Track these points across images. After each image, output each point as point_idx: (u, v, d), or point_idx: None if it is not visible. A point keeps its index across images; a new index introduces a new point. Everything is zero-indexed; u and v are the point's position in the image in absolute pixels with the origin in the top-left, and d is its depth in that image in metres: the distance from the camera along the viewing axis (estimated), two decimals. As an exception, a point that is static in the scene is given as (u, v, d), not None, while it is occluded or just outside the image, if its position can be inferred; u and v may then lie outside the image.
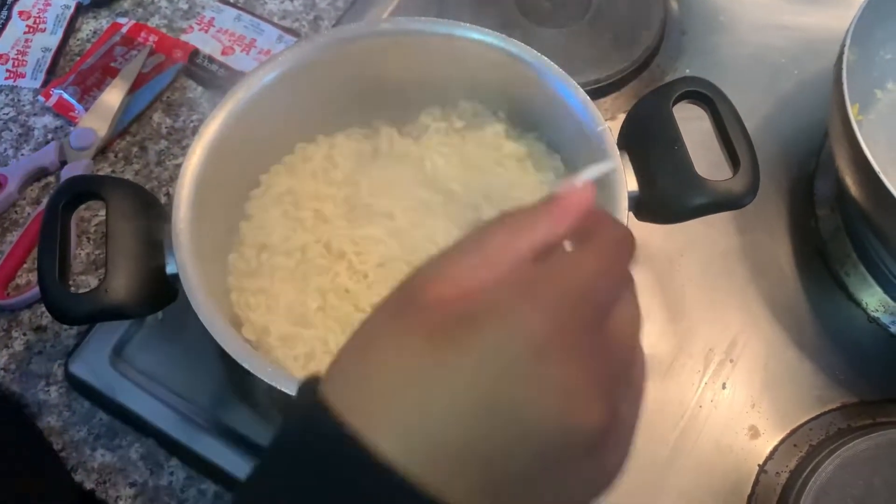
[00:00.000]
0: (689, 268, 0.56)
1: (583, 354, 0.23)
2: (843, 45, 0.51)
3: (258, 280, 0.48)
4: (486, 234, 0.25)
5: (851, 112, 0.48)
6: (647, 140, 0.47)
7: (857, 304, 0.55)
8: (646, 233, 0.56)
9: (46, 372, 0.54)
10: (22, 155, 0.61)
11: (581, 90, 0.48)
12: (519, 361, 0.22)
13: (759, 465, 0.50)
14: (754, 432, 0.51)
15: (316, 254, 0.49)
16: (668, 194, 0.45)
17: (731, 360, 0.53)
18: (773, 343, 0.54)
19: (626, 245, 0.27)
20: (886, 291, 0.54)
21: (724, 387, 0.52)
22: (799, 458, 0.50)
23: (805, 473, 0.48)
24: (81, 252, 0.57)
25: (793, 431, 0.51)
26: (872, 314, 0.54)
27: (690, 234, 0.57)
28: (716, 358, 0.53)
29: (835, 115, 0.50)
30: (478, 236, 0.25)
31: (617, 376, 0.25)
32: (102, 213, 0.58)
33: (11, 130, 0.62)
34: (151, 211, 0.46)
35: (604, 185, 0.45)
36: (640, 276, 0.57)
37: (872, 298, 0.55)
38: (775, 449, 0.50)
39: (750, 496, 0.49)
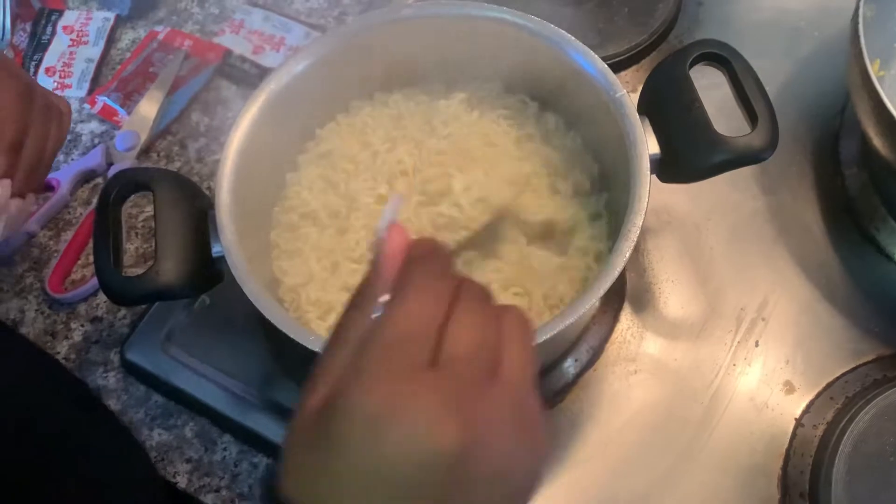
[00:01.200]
0: (716, 231, 0.57)
1: (418, 390, 0.25)
2: (858, 1, 0.51)
3: (295, 246, 0.52)
4: (340, 322, 0.29)
5: (871, 67, 0.49)
6: (666, 103, 0.48)
7: (889, 257, 0.55)
8: (672, 199, 0.58)
9: (104, 359, 0.57)
10: (72, 160, 0.65)
11: (599, 59, 0.49)
12: (367, 426, 0.25)
13: (795, 419, 0.51)
14: (789, 388, 0.52)
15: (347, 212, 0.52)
16: (690, 153, 0.46)
17: (763, 319, 0.54)
18: (804, 300, 0.54)
19: (440, 270, 0.29)
20: (917, 244, 0.55)
21: (756, 345, 0.53)
22: (836, 410, 0.50)
23: (842, 424, 0.48)
24: (130, 246, 0.60)
25: (828, 385, 0.51)
26: (904, 266, 0.54)
27: (716, 197, 0.58)
28: (747, 317, 0.54)
29: (854, 70, 0.51)
30: (337, 327, 0.29)
31: (470, 396, 0.26)
32: (148, 209, 0.61)
33: (61, 137, 0.66)
34: (195, 199, 0.49)
35: (626, 149, 0.47)
36: (669, 241, 0.59)
37: (904, 251, 0.55)
38: (811, 403, 0.51)
39: (788, 449, 0.50)
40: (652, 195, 0.45)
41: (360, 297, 0.29)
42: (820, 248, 0.56)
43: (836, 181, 0.58)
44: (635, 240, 0.44)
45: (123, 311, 0.58)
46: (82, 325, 0.58)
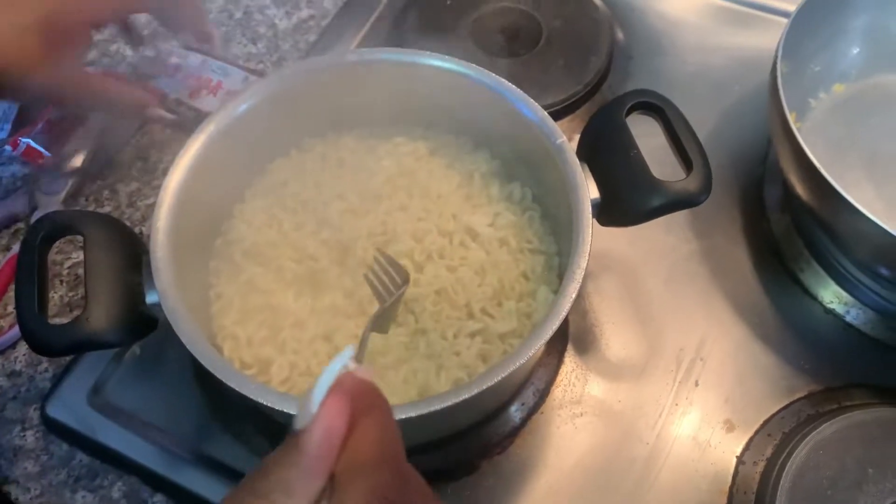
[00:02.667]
0: (654, 274, 0.58)
1: None
2: (775, 59, 0.55)
3: (234, 289, 0.50)
4: None
5: (791, 118, 0.52)
6: (605, 149, 0.50)
7: (814, 297, 0.58)
8: (611, 243, 0.59)
9: (21, 417, 0.53)
10: (-9, 204, 0.61)
11: (539, 107, 0.51)
12: None
13: (736, 457, 0.52)
14: (729, 426, 0.53)
15: (287, 258, 0.51)
16: (629, 197, 0.48)
17: (702, 359, 0.55)
18: (739, 340, 0.56)
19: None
20: (839, 284, 0.57)
21: (696, 384, 0.54)
22: (774, 447, 0.51)
23: (781, 460, 0.49)
24: (55, 295, 0.57)
25: (766, 422, 0.53)
26: (828, 306, 0.57)
27: (652, 241, 0.59)
28: (687, 357, 0.55)
29: (774, 121, 0.54)
30: None
31: None
32: (75, 255, 0.59)
33: (-21, 180, 0.63)
34: (128, 243, 0.47)
35: (567, 195, 0.48)
36: (609, 284, 0.60)
37: (827, 291, 0.57)
38: (751, 440, 0.52)
39: (731, 487, 0.50)
40: (592, 238, 0.46)
41: (267, 484, 0.24)
42: (751, 289, 0.58)
43: (762, 225, 0.61)
44: (580, 282, 0.44)
45: (45, 364, 0.54)
46: (-2, 380, 0.54)
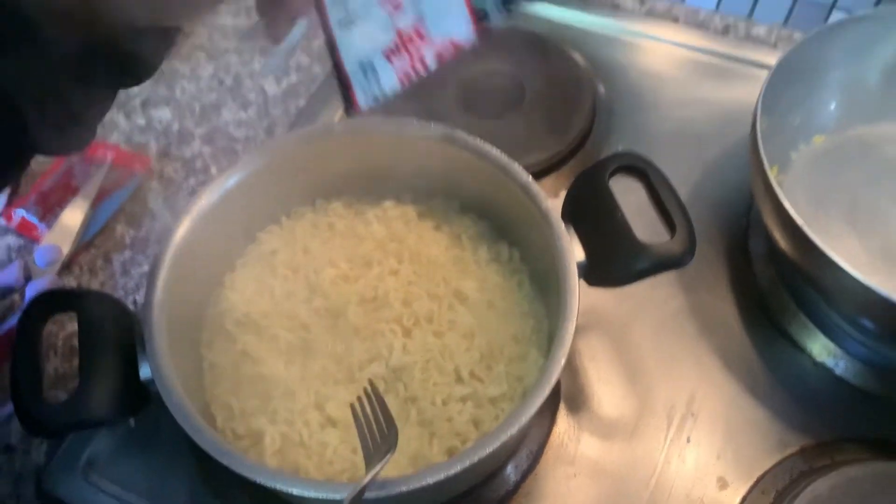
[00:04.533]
0: (642, 330, 0.59)
1: None
2: (755, 114, 0.56)
3: (227, 360, 0.51)
4: None
5: (771, 174, 0.53)
6: (589, 212, 0.51)
7: (802, 350, 0.58)
8: (599, 300, 0.60)
9: (16, 492, 0.53)
10: (-15, 276, 0.62)
11: (523, 171, 0.52)
12: None
13: (731, 515, 0.52)
14: (723, 483, 0.53)
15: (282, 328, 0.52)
16: (614, 260, 0.49)
17: (693, 415, 0.55)
18: (729, 395, 0.56)
19: None
20: (827, 336, 0.58)
21: (688, 441, 0.54)
22: (767, 504, 0.51)
23: (775, 518, 0.49)
24: (48, 366, 0.57)
25: (759, 479, 0.53)
26: (817, 359, 0.58)
27: (640, 297, 0.60)
28: (678, 414, 0.55)
29: (756, 177, 0.55)
30: None
31: None
32: (69, 327, 0.59)
33: (-26, 253, 0.64)
34: (122, 318, 0.47)
35: (553, 257, 0.48)
36: (598, 341, 0.60)
37: (815, 344, 0.58)
38: (745, 498, 0.52)
39: (726, 546, 0.50)
40: (580, 296, 0.46)
41: None
42: (740, 343, 0.58)
43: (748, 278, 0.62)
44: (569, 345, 0.45)
45: (39, 439, 0.55)
46: (-8, 456, 0.54)
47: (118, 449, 0.53)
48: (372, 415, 0.41)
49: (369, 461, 0.39)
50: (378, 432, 0.40)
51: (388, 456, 0.38)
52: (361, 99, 0.45)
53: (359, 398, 0.43)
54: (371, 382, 0.44)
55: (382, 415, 0.41)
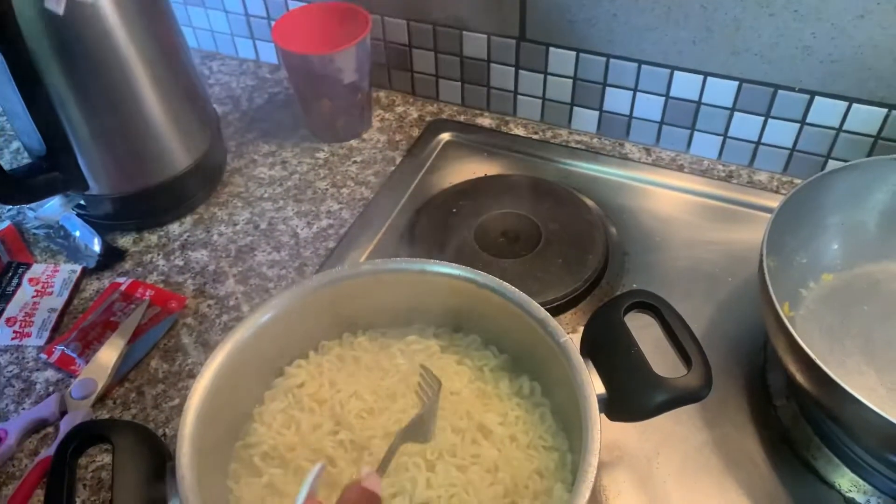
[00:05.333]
0: (666, 465, 0.59)
1: None
2: (761, 254, 0.59)
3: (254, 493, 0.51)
4: None
5: (782, 311, 0.55)
6: (607, 348, 0.53)
7: (831, 485, 0.57)
8: (622, 435, 0.60)
9: None
10: (23, 409, 0.64)
11: (541, 308, 0.54)
12: None
13: None
14: None
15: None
16: (633, 393, 0.50)
17: (723, 555, 0.54)
18: (759, 534, 0.55)
19: None
20: (854, 471, 0.57)
21: (720, 584, 0.53)
22: None
23: None
24: (77, 500, 0.58)
25: None
26: (847, 494, 0.57)
27: (663, 432, 0.60)
28: (707, 554, 0.54)
29: (768, 315, 0.57)
30: None
31: None
32: (99, 459, 0.60)
33: (14, 386, 0.66)
34: (154, 450, 0.49)
35: (574, 391, 0.50)
36: (622, 476, 0.60)
37: (843, 479, 0.57)
38: None
39: None
40: (602, 431, 0.47)
41: None
42: (766, 479, 0.58)
43: (769, 412, 0.62)
44: (593, 479, 0.45)
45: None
46: None
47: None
48: (425, 383, 0.54)
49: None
50: (429, 388, 0.54)
51: (435, 397, 0.52)
52: None
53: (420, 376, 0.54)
54: (423, 366, 0.54)
55: (430, 378, 0.54)
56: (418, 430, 0.51)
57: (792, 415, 0.61)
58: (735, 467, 0.59)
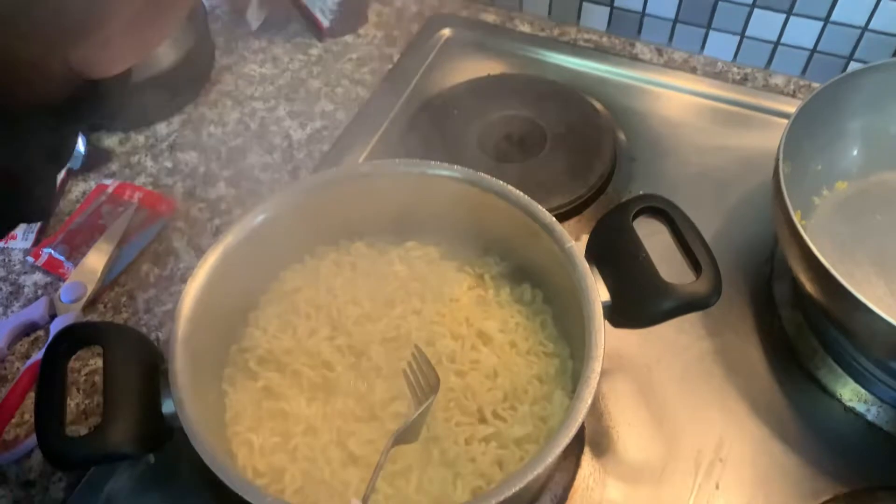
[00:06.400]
0: (667, 373, 0.58)
1: None
2: (777, 160, 0.56)
3: (248, 397, 0.50)
4: None
5: (796, 219, 0.53)
6: (613, 253, 0.51)
7: (832, 395, 0.57)
8: (623, 342, 0.59)
9: (32, 530, 0.52)
10: (12, 312, 0.62)
11: (547, 213, 0.52)
12: None
13: (763, 566, 0.50)
14: (754, 532, 0.51)
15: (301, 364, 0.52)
16: (639, 301, 0.48)
17: (721, 460, 0.54)
18: (758, 440, 0.55)
19: None
20: (857, 381, 0.57)
21: (717, 487, 0.53)
22: (801, 555, 0.50)
23: (810, 569, 0.48)
24: (71, 402, 0.57)
25: (791, 528, 0.51)
26: (848, 404, 0.56)
27: (664, 340, 0.59)
28: (705, 459, 0.54)
29: (780, 222, 0.55)
30: None
31: None
32: (92, 362, 0.59)
33: (1, 290, 0.64)
34: (146, 353, 0.47)
35: (578, 298, 0.48)
36: (623, 384, 0.59)
37: (845, 389, 0.57)
38: (777, 547, 0.50)
39: None
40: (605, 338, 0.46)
41: None
42: (767, 388, 0.57)
43: (774, 322, 0.61)
44: (595, 385, 0.44)
45: (59, 474, 0.54)
46: (11, 491, 0.53)
47: (137, 485, 0.53)
48: (419, 369, 0.47)
49: (418, 405, 0.46)
50: (424, 381, 0.46)
51: (432, 397, 0.45)
52: (323, 20, 0.56)
53: (409, 362, 0.48)
54: (417, 347, 0.48)
55: (426, 368, 0.47)
56: (410, 432, 0.45)
57: (797, 325, 0.60)
58: (737, 376, 0.58)
